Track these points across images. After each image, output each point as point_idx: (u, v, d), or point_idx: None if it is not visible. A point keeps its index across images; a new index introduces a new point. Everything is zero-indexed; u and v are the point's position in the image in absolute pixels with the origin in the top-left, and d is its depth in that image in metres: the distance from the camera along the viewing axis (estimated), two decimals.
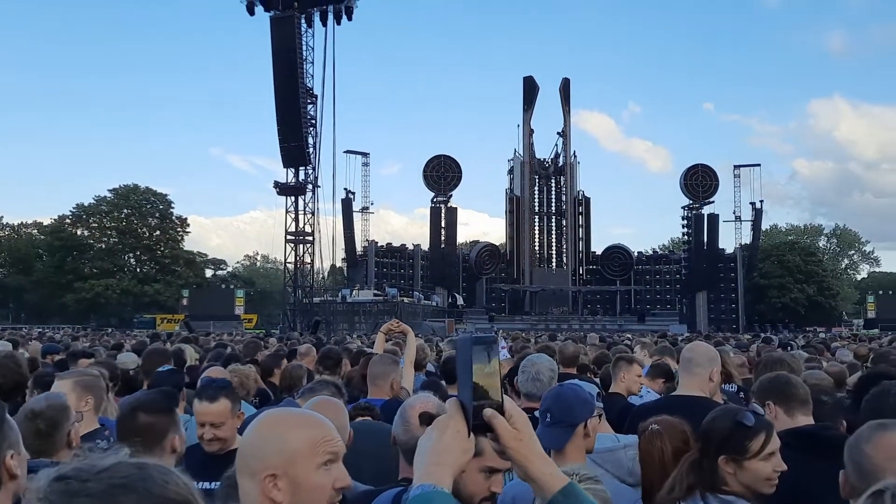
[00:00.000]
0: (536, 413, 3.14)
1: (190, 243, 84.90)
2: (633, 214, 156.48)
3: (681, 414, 3.17)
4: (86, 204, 77.36)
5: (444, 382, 6.10)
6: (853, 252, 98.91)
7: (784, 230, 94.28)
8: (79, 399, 3.86)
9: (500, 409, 1.40)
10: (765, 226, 79.95)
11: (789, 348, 12.53)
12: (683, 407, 3.70)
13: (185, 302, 65.33)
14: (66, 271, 72.14)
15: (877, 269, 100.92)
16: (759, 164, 74.50)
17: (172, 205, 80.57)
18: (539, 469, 1.45)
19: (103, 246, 76.82)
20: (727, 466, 2.57)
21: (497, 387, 1.40)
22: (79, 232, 76.47)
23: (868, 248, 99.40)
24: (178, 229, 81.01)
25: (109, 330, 44.13)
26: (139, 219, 78.12)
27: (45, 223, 79.33)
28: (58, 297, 71.91)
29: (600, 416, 3.16)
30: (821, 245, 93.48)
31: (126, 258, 78.86)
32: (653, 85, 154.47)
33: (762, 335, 26.32)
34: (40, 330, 39.42)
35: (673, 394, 4.46)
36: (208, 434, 3.58)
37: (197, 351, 9.97)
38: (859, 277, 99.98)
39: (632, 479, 3.09)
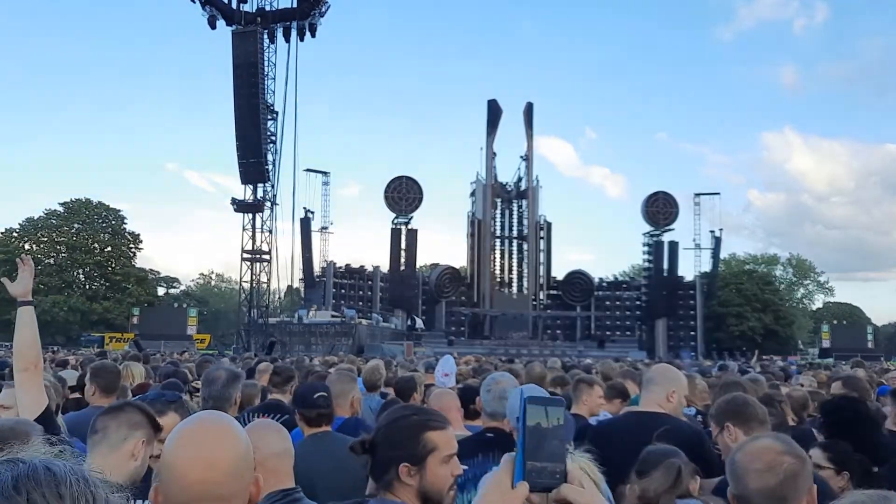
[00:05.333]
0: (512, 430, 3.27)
1: (142, 260, 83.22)
2: (594, 240, 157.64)
3: (638, 428, 3.35)
4: (35, 217, 75.46)
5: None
6: (808, 282, 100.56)
7: (742, 259, 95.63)
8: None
9: (563, 473, 1.41)
10: (723, 254, 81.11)
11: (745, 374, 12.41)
12: (641, 422, 3.88)
13: (135, 320, 63.53)
14: None
15: (831, 300, 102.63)
16: (718, 193, 76.02)
17: (125, 220, 79.01)
18: None
19: (52, 261, 74.54)
20: None
21: (560, 450, 1.40)
22: (26, 246, 73.93)
23: (823, 279, 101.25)
24: (131, 245, 79.27)
25: (55, 348, 42.45)
26: (90, 234, 76.18)
27: None
28: (2, 313, 69.38)
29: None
30: (777, 274, 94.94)
31: (75, 274, 76.66)
32: (609, 113, 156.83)
33: (719, 362, 26.55)
34: None
35: (632, 410, 4.57)
36: (156, 450, 3.13)
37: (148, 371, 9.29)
38: (814, 307, 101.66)
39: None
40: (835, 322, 78.02)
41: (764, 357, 57.07)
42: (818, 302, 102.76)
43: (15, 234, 74.49)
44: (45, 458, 1.02)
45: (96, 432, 2.87)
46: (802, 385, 8.45)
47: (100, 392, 5.12)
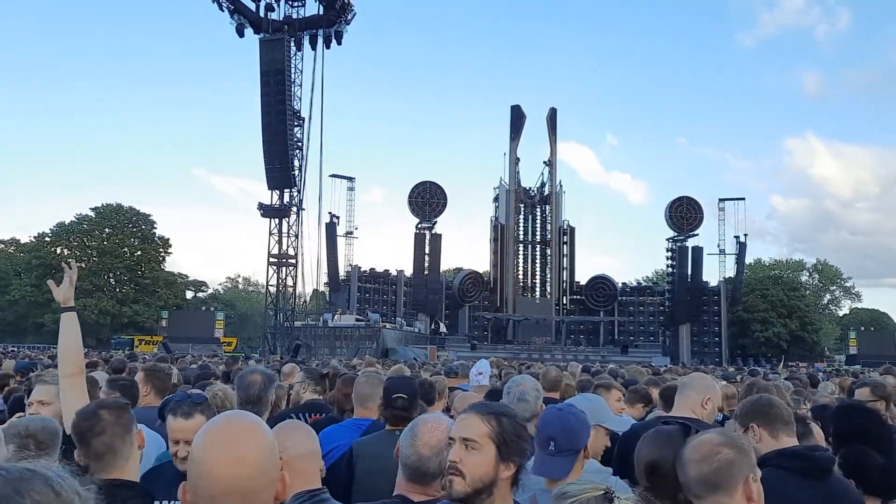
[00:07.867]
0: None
1: (171, 264, 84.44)
2: (617, 245, 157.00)
3: None
4: (67, 222, 76.83)
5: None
6: (835, 287, 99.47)
7: (767, 264, 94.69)
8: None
9: None
10: (748, 260, 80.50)
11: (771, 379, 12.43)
12: None
13: (164, 323, 64.62)
14: (44, 290, 70.77)
15: (858, 305, 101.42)
16: (743, 198, 75.28)
17: (155, 225, 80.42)
18: None
19: (83, 265, 75.79)
20: None
21: None
22: (58, 251, 75.48)
23: (849, 284, 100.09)
24: (160, 250, 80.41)
25: (86, 350, 43.36)
26: (120, 238, 77.47)
27: (24, 241, 78.50)
28: (35, 317, 70.81)
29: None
30: (803, 280, 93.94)
31: (106, 278, 77.92)
32: (630, 119, 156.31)
33: (746, 369, 26.30)
34: (14, 348, 38.61)
35: (664, 415, 4.49)
36: (182, 452, 3.30)
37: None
38: (841, 313, 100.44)
39: None
40: (862, 328, 76.99)
41: (790, 363, 56.92)
42: (845, 308, 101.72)
43: (47, 239, 76.11)
44: (28, 465, 1.04)
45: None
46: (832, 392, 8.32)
47: (154, 393, 5.14)
